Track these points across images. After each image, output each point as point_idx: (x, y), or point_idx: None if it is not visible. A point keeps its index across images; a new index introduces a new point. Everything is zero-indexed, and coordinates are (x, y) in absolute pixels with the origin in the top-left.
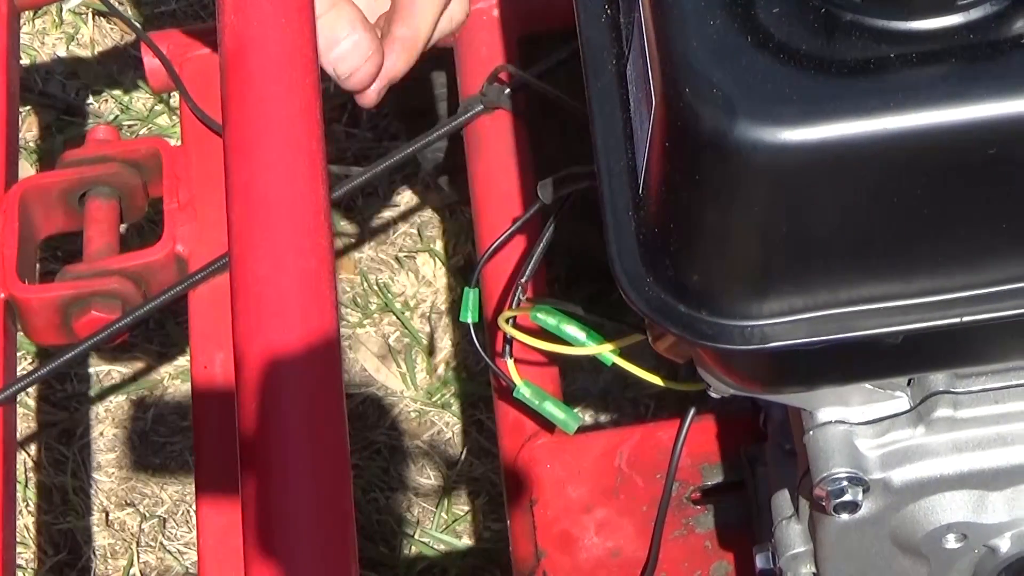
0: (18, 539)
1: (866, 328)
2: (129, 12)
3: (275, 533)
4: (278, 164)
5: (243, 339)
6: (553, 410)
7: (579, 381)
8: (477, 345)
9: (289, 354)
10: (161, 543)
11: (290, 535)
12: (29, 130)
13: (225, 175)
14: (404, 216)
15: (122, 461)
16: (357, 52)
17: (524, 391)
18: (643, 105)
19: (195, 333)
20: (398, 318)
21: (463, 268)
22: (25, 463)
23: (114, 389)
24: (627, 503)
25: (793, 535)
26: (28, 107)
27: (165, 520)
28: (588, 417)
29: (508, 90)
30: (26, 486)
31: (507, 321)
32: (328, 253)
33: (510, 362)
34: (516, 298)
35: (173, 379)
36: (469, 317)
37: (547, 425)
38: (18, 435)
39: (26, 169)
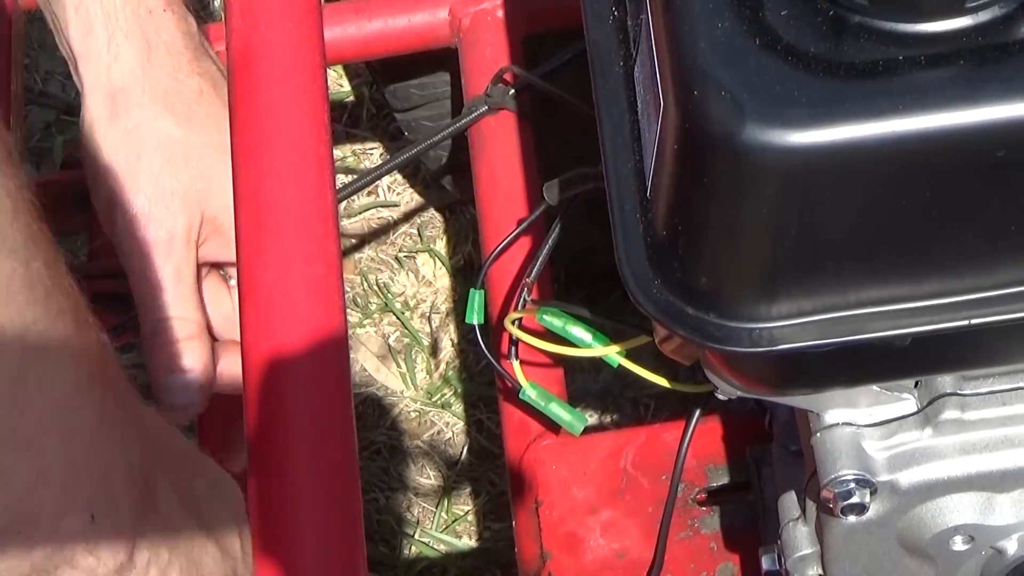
0: None
1: (875, 330)
2: None
3: (284, 534)
4: (286, 168)
5: (251, 342)
6: (559, 411)
7: (579, 381)
8: (483, 346)
9: (297, 357)
10: None
11: (299, 536)
12: (29, 130)
13: (233, 179)
14: (404, 216)
15: None
16: (184, 392)
17: (530, 392)
18: (651, 107)
19: None
20: (398, 318)
21: (463, 268)
22: None
23: None
24: (632, 504)
25: (800, 537)
26: (28, 107)
27: None
28: (588, 417)
29: (513, 91)
30: None
31: (513, 322)
32: (336, 257)
33: (516, 363)
34: (522, 299)
35: None
36: (475, 319)
37: (552, 426)
38: None
39: (26, 169)
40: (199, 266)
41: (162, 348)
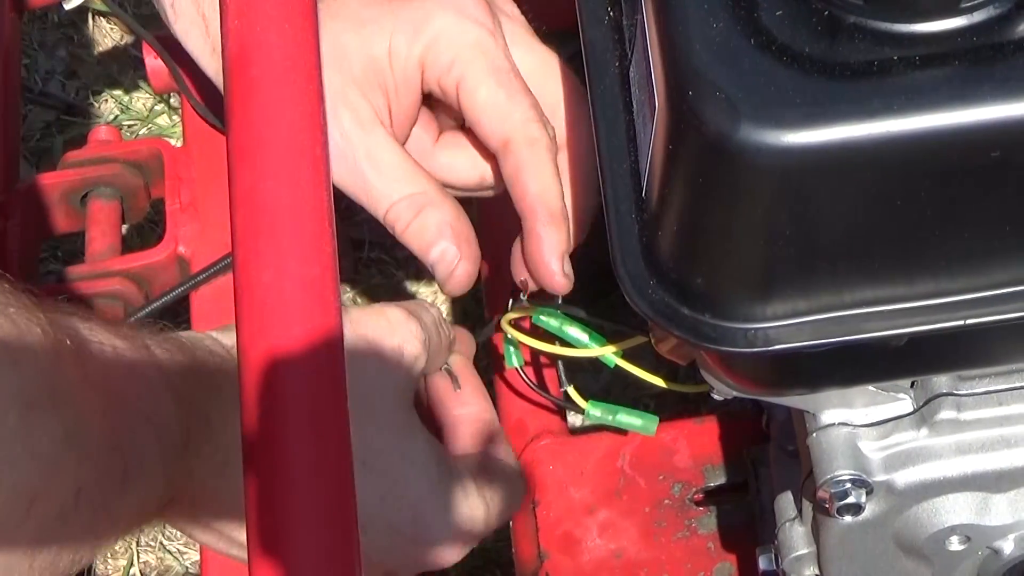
0: None
1: (870, 331)
2: (129, 12)
3: (280, 534)
4: (282, 168)
5: (247, 343)
6: (630, 419)
7: (579, 381)
8: (529, 382)
9: (293, 358)
10: (161, 543)
11: (295, 536)
12: (29, 130)
13: (229, 179)
14: None
15: None
16: (444, 262)
17: (594, 411)
18: (646, 107)
19: None
20: None
21: None
22: None
23: None
24: (630, 504)
25: (796, 537)
26: (28, 107)
27: None
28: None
29: None
30: None
31: (509, 323)
32: (332, 258)
33: (570, 389)
34: (518, 300)
35: None
36: (515, 362)
37: (551, 427)
38: None
39: (26, 169)
40: (431, 125)
41: (404, 237)
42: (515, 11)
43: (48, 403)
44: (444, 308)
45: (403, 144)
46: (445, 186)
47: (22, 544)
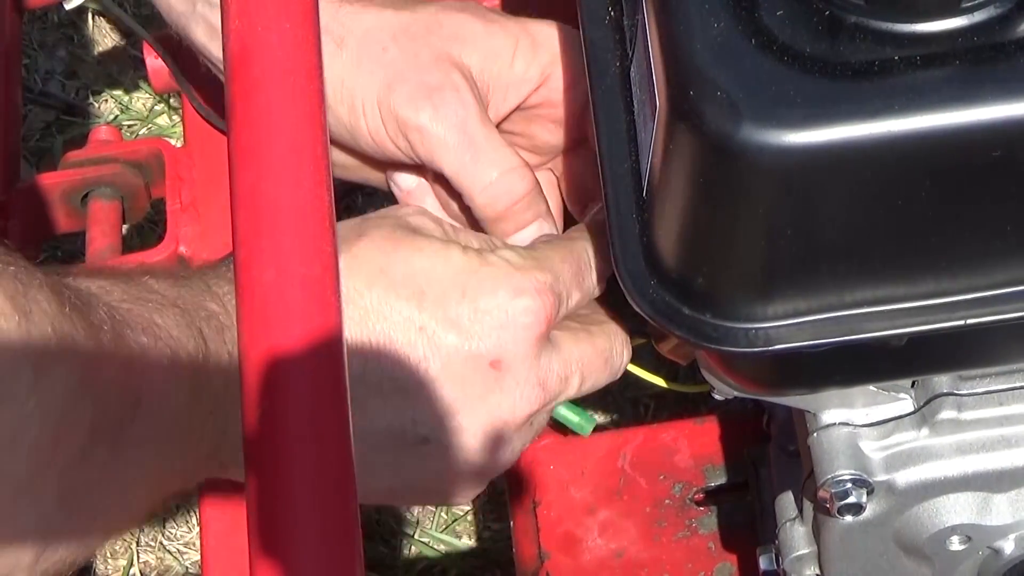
0: None
1: (871, 331)
2: (129, 12)
3: (280, 534)
4: (283, 168)
5: (248, 343)
6: (566, 414)
7: None
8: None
9: (294, 358)
10: (161, 543)
11: (295, 536)
12: (29, 130)
13: (230, 179)
14: None
15: None
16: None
17: None
18: (647, 107)
19: None
20: None
21: None
22: None
23: None
24: (630, 504)
25: (797, 537)
26: (28, 107)
27: (165, 520)
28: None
29: None
30: None
31: None
32: (333, 258)
33: None
34: None
35: None
36: (588, 430)
37: (552, 426)
38: None
39: (26, 169)
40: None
41: (505, 212)
42: None
43: (60, 352)
44: None
45: None
46: None
47: (43, 494)
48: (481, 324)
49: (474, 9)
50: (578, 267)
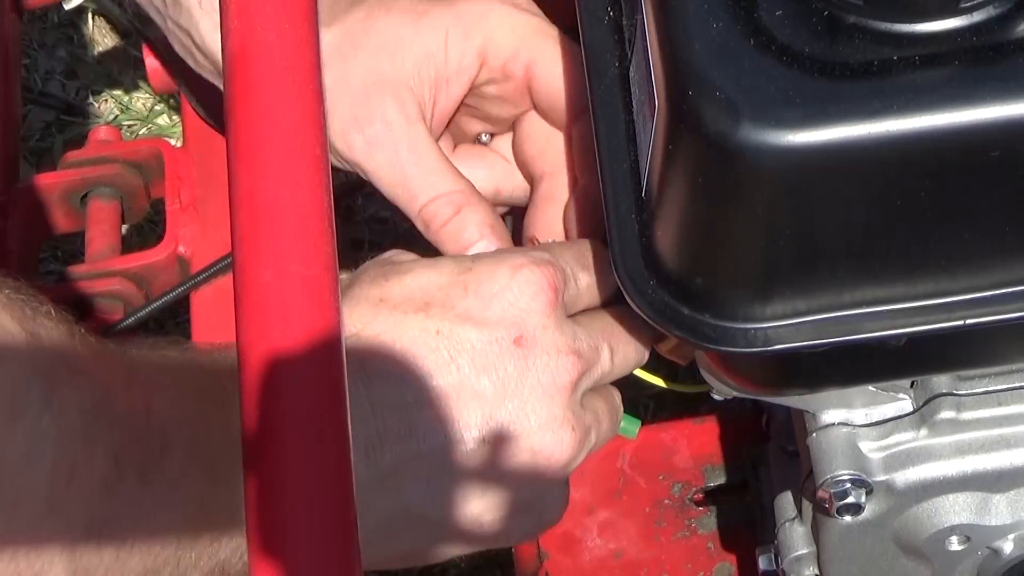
0: None
1: (870, 331)
2: (129, 12)
3: (280, 534)
4: (282, 168)
5: (247, 343)
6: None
7: None
8: None
9: (293, 358)
10: None
11: (295, 536)
12: (29, 130)
13: (229, 179)
14: (404, 216)
15: None
16: None
17: None
18: (646, 107)
19: (197, 334)
20: None
21: None
22: None
23: None
24: (629, 504)
25: (796, 537)
26: (28, 107)
27: None
28: None
29: None
30: None
31: None
32: (332, 259)
33: None
34: None
35: None
36: (634, 432)
37: None
38: None
39: (26, 169)
40: (448, 137)
41: (439, 235)
42: None
43: (69, 375)
44: None
45: None
46: None
47: (68, 519)
48: (492, 309)
49: (402, 5)
50: (577, 250)
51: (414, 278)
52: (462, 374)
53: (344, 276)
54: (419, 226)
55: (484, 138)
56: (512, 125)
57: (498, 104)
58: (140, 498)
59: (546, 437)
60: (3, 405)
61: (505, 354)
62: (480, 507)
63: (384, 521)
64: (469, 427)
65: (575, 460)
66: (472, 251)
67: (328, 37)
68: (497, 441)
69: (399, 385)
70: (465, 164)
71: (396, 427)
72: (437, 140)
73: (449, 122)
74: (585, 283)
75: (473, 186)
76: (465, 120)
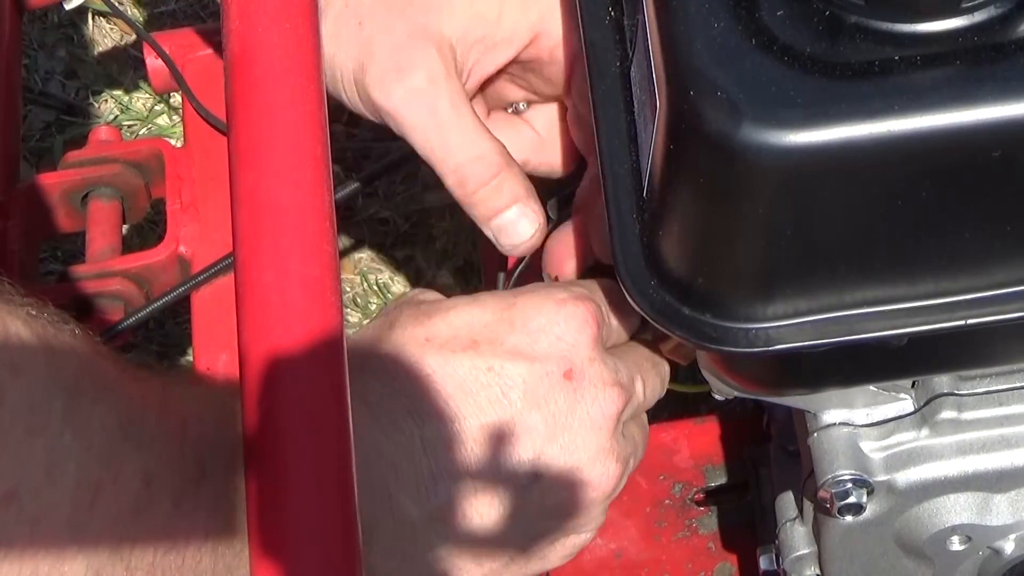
0: None
1: (871, 331)
2: (129, 12)
3: (280, 534)
4: (283, 168)
5: (248, 343)
6: None
7: None
8: None
9: (293, 358)
10: None
11: (295, 536)
12: (29, 130)
13: (230, 180)
14: (404, 216)
15: None
16: (521, 226)
17: None
18: (647, 108)
19: (198, 334)
20: None
21: (463, 268)
22: None
23: None
24: (630, 504)
25: (797, 537)
26: (28, 107)
27: None
28: None
29: None
30: None
31: None
32: (333, 259)
33: None
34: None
35: None
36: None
37: None
38: None
39: (26, 169)
40: (482, 101)
41: (472, 198)
42: None
43: (94, 392)
44: None
45: None
46: None
47: (93, 540)
48: (540, 344)
49: None
50: (607, 288)
51: (457, 315)
52: (514, 409)
53: (372, 325)
54: (450, 184)
55: (522, 106)
56: (558, 99)
57: (542, 80)
58: (173, 524)
59: (596, 469)
60: (23, 418)
61: (556, 388)
62: (529, 540)
63: (435, 558)
64: (522, 463)
65: (617, 488)
66: (503, 217)
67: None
68: (549, 475)
69: (451, 424)
70: (496, 131)
71: (448, 466)
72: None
73: (486, 86)
74: (615, 322)
75: (508, 152)
76: (505, 86)
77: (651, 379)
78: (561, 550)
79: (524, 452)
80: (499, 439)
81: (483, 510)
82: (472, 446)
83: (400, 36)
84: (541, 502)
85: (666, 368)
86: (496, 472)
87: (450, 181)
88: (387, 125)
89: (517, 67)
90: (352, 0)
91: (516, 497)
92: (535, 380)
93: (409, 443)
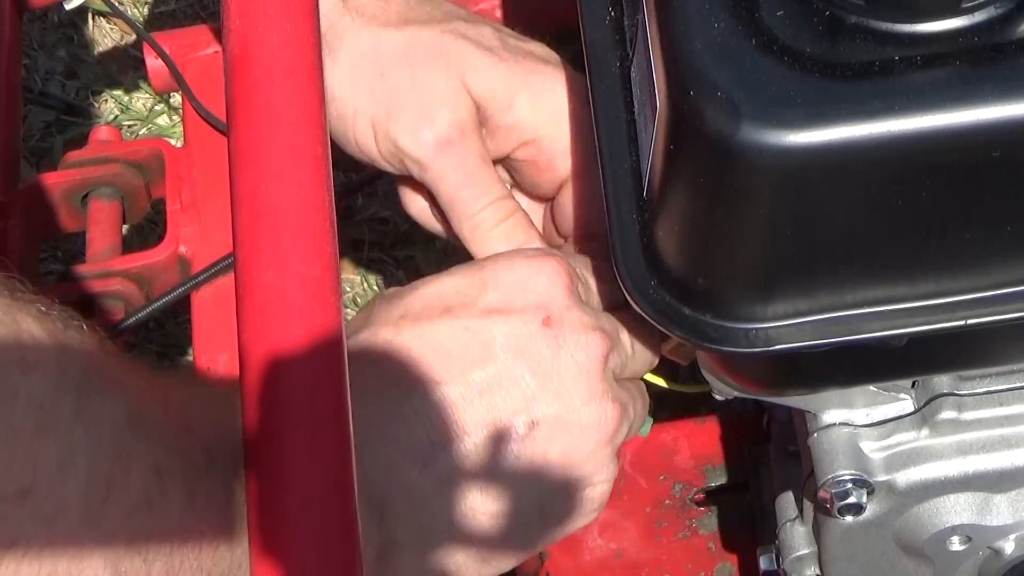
0: None
1: (871, 331)
2: (129, 12)
3: (280, 534)
4: (283, 168)
5: (248, 343)
6: None
7: None
8: None
9: (293, 358)
10: None
11: (295, 536)
12: (29, 130)
13: (230, 180)
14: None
15: None
16: None
17: None
18: (647, 107)
19: (198, 334)
20: None
21: None
22: None
23: None
24: (631, 504)
25: (797, 537)
26: (28, 107)
27: None
28: None
29: None
30: None
31: None
32: (333, 259)
33: None
34: None
35: None
36: (646, 430)
37: None
38: None
39: (26, 169)
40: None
41: (490, 233)
42: None
43: (103, 387)
44: None
45: None
46: None
47: (108, 534)
48: (515, 298)
49: (479, 35)
50: (580, 259)
51: (427, 288)
52: (498, 363)
53: (351, 321)
54: (467, 227)
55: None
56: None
57: (528, 183)
58: (186, 515)
59: (592, 410)
60: (34, 416)
61: (536, 337)
62: (544, 498)
63: (450, 524)
64: (516, 413)
65: (619, 433)
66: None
67: (396, 41)
68: (546, 421)
69: (438, 389)
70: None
71: (445, 430)
72: None
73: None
74: (591, 283)
75: (520, 205)
76: (497, 168)
77: (638, 336)
78: (580, 506)
79: (516, 403)
80: (489, 395)
81: (488, 467)
82: (464, 406)
83: (427, 87)
84: (545, 452)
85: (651, 340)
86: (492, 427)
87: (466, 225)
88: (405, 169)
89: (509, 162)
90: (369, 51)
91: (518, 449)
92: (515, 332)
93: (401, 414)
